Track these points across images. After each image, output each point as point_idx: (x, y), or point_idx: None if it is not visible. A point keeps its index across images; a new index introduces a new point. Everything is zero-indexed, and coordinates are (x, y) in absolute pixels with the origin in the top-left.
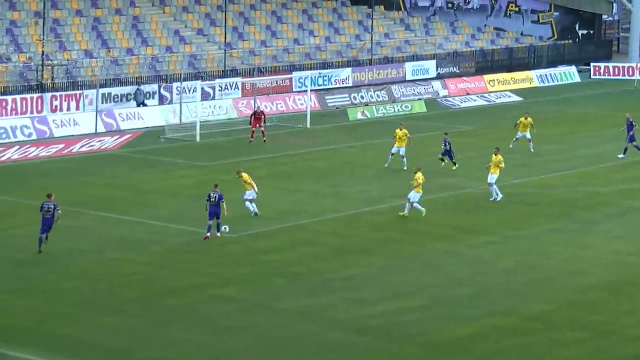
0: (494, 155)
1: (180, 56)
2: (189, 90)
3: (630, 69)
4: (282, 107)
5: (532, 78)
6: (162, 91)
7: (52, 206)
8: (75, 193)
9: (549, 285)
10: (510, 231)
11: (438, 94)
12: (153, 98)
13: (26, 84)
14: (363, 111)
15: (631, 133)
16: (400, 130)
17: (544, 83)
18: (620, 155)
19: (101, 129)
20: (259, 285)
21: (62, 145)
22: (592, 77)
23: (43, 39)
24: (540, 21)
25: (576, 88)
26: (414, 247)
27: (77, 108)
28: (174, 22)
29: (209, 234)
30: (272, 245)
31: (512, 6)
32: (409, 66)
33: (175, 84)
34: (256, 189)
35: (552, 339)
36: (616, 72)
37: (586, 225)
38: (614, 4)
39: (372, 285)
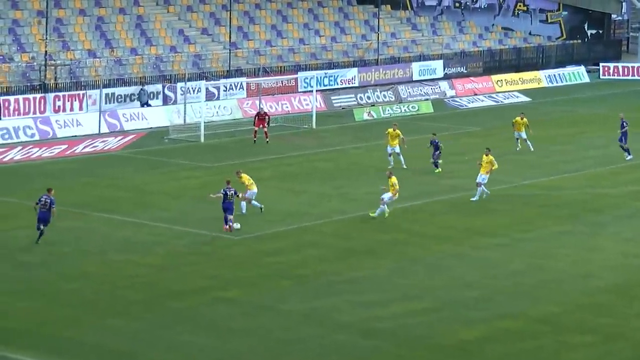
0: (484, 156)
1: (184, 56)
2: (194, 91)
3: None
4: (287, 107)
5: (540, 78)
6: (166, 91)
7: (50, 201)
8: (78, 194)
9: (557, 288)
10: (519, 233)
11: (445, 94)
12: (157, 98)
13: (29, 84)
14: (369, 112)
15: (623, 130)
16: (394, 130)
17: (552, 83)
18: (628, 157)
19: (105, 129)
20: (264, 288)
21: (65, 146)
22: (601, 77)
23: (46, 38)
24: (549, 21)
25: (585, 88)
26: (421, 249)
27: (81, 108)
28: (178, 22)
29: (227, 226)
30: (276, 247)
31: (520, 5)
32: (415, 66)
33: (179, 84)
34: (255, 190)
35: (561, 342)
36: (626, 73)
37: (595, 228)
38: (624, 3)
39: (379, 288)
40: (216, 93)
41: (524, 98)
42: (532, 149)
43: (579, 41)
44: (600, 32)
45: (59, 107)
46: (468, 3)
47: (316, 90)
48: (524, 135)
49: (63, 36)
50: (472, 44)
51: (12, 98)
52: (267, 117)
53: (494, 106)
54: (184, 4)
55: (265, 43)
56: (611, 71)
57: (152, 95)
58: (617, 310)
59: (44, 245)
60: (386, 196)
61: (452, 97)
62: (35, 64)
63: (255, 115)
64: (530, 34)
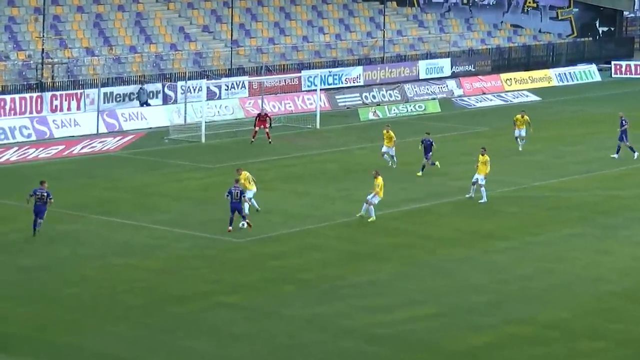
0: (480, 155)
1: (185, 54)
2: (194, 90)
3: None
4: (290, 107)
5: (550, 77)
6: (166, 90)
7: (46, 194)
8: (76, 196)
9: (567, 292)
10: (528, 236)
11: (453, 93)
12: (157, 97)
13: (25, 83)
14: (375, 111)
15: (623, 129)
16: (387, 132)
17: (563, 82)
18: (635, 155)
19: (103, 129)
20: (266, 292)
21: (62, 147)
22: (612, 76)
23: (43, 36)
24: (559, 18)
25: (596, 87)
26: (427, 253)
27: (78, 108)
28: (178, 19)
29: (230, 227)
30: (279, 250)
31: (530, 2)
32: (422, 64)
33: (179, 83)
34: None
35: (571, 348)
36: (638, 71)
37: (607, 230)
38: (636, 0)
39: (384, 293)
40: (217, 92)
41: (533, 97)
42: (521, 149)
43: (590, 39)
44: (612, 29)
45: (56, 106)
46: (476, 0)
47: (320, 89)
48: (523, 134)
49: (60, 34)
50: (480, 41)
51: (8, 97)
52: (268, 118)
53: (503, 105)
54: (185, 0)
55: (268, 41)
56: (623, 70)
57: (151, 94)
58: (629, 315)
59: (42, 248)
60: (371, 196)
61: (459, 96)
62: (31, 62)
63: (257, 116)
64: (540, 31)
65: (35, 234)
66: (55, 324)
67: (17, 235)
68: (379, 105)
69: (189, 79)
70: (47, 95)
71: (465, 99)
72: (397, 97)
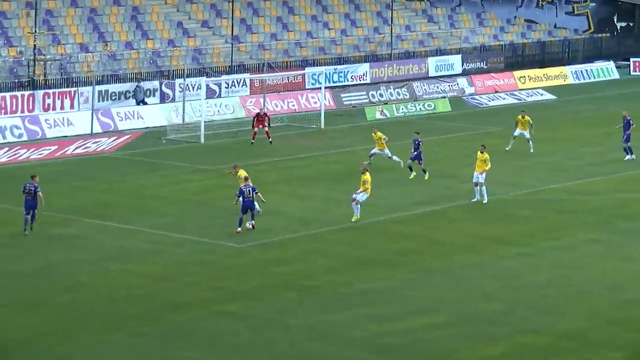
0: (479, 153)
1: (183, 50)
2: (193, 88)
3: None
4: (294, 105)
5: (566, 74)
6: (164, 88)
7: (33, 188)
8: (69, 199)
9: (585, 301)
10: (544, 242)
11: (464, 91)
12: (154, 96)
13: (16, 80)
14: (382, 110)
15: (628, 132)
16: (375, 134)
17: (579, 80)
18: (627, 157)
19: (97, 129)
20: (268, 300)
21: (55, 147)
22: (631, 73)
23: (35, 31)
24: (576, 12)
25: (614, 85)
26: (438, 258)
27: (72, 107)
28: (176, 14)
29: (239, 228)
30: (282, 256)
31: None
32: (432, 61)
33: (178, 81)
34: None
35: (588, 359)
36: None
37: (626, 236)
38: None
39: (391, 301)
40: (217, 90)
41: (548, 96)
42: (532, 151)
43: (608, 35)
44: (631, 24)
45: (48, 105)
46: None
47: (325, 87)
48: (527, 135)
49: (53, 29)
50: (492, 37)
51: None
52: (267, 117)
53: (516, 104)
54: None
55: (270, 36)
56: None
57: (148, 92)
58: None
59: (35, 254)
60: (359, 195)
61: (471, 94)
62: (23, 59)
63: (255, 116)
64: (555, 26)
65: (25, 229)
66: (48, 332)
67: (8, 240)
68: (386, 104)
69: (188, 76)
70: (39, 93)
71: (476, 97)
72: (406, 95)
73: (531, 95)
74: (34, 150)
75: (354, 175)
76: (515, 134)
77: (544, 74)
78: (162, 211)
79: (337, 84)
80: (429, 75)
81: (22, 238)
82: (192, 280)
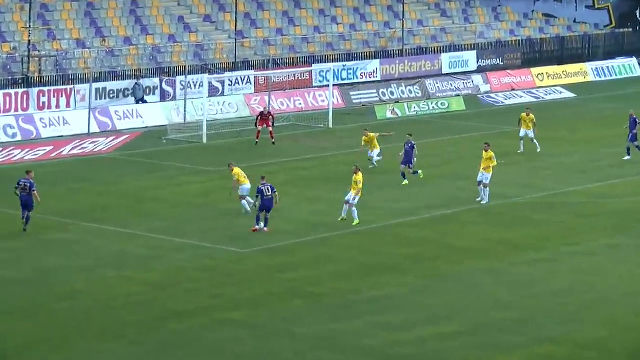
0: (484, 152)
1: (184, 46)
2: (195, 85)
3: None
4: (300, 104)
5: (586, 71)
6: (164, 86)
7: (29, 185)
8: (65, 202)
9: (605, 308)
10: (561, 246)
11: (479, 89)
12: (154, 94)
13: (10, 77)
14: (393, 109)
15: (634, 131)
16: (366, 136)
17: (600, 77)
18: (626, 158)
19: (95, 129)
20: (273, 308)
21: (50, 148)
22: None
23: (29, 26)
24: (596, 6)
25: (637, 83)
26: (451, 264)
27: (68, 105)
28: (177, 8)
29: (257, 226)
30: (288, 261)
31: None
32: (445, 58)
33: (179, 78)
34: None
35: None
36: None
37: None
38: None
39: (403, 308)
40: (220, 88)
41: (567, 94)
42: (539, 150)
43: (630, 29)
44: None
45: (43, 103)
46: None
47: (333, 85)
48: (531, 134)
49: (48, 24)
50: (509, 32)
51: None
52: (271, 116)
53: (534, 103)
54: None
55: (276, 32)
56: None
57: (148, 90)
58: None
59: (29, 259)
60: (350, 197)
61: (486, 92)
62: (17, 55)
63: (258, 115)
64: (574, 21)
65: (25, 229)
66: (43, 342)
67: (1, 245)
68: (397, 102)
69: (189, 73)
70: (34, 91)
71: (492, 95)
72: (418, 93)
73: (549, 94)
74: (29, 151)
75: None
76: (521, 134)
77: (563, 71)
78: (162, 214)
79: (346, 82)
80: (443, 73)
81: (17, 243)
82: (193, 287)
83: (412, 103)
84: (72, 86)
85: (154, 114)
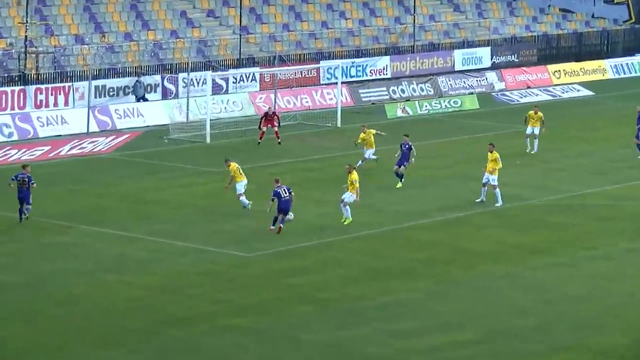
0: (489, 153)
1: (187, 42)
2: (198, 83)
3: None
4: (307, 102)
5: (605, 68)
6: (166, 83)
7: (27, 179)
8: (63, 204)
9: (625, 315)
10: (579, 251)
11: (493, 87)
12: (155, 92)
13: (6, 74)
14: (404, 108)
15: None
16: (364, 132)
17: (619, 74)
18: None
19: (94, 128)
20: (280, 314)
21: (48, 147)
22: None
23: (26, 21)
24: (615, 1)
25: None
26: (464, 269)
27: (66, 103)
28: (180, 2)
29: (272, 227)
30: (295, 266)
31: None
32: (458, 54)
33: (181, 75)
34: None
35: None
36: None
37: None
38: None
39: (415, 315)
40: (224, 86)
41: (585, 92)
42: (536, 150)
43: None
44: None
45: (41, 101)
46: None
47: (341, 83)
48: (536, 132)
49: (46, 19)
50: (524, 28)
51: None
52: (276, 116)
53: (551, 101)
54: None
55: (282, 27)
56: None
57: (149, 88)
58: None
59: (26, 263)
60: (346, 196)
61: (501, 90)
62: (13, 51)
63: (262, 116)
64: (593, 16)
65: (21, 221)
66: (40, 348)
67: None
68: (408, 100)
69: (192, 70)
70: (31, 89)
71: (507, 93)
72: (430, 91)
73: (567, 91)
74: (25, 151)
75: (373, 179)
76: (528, 132)
77: (580, 68)
78: (163, 217)
79: (355, 79)
80: (455, 70)
81: (14, 246)
82: (196, 293)
83: (423, 101)
84: (70, 84)
85: (155, 112)
